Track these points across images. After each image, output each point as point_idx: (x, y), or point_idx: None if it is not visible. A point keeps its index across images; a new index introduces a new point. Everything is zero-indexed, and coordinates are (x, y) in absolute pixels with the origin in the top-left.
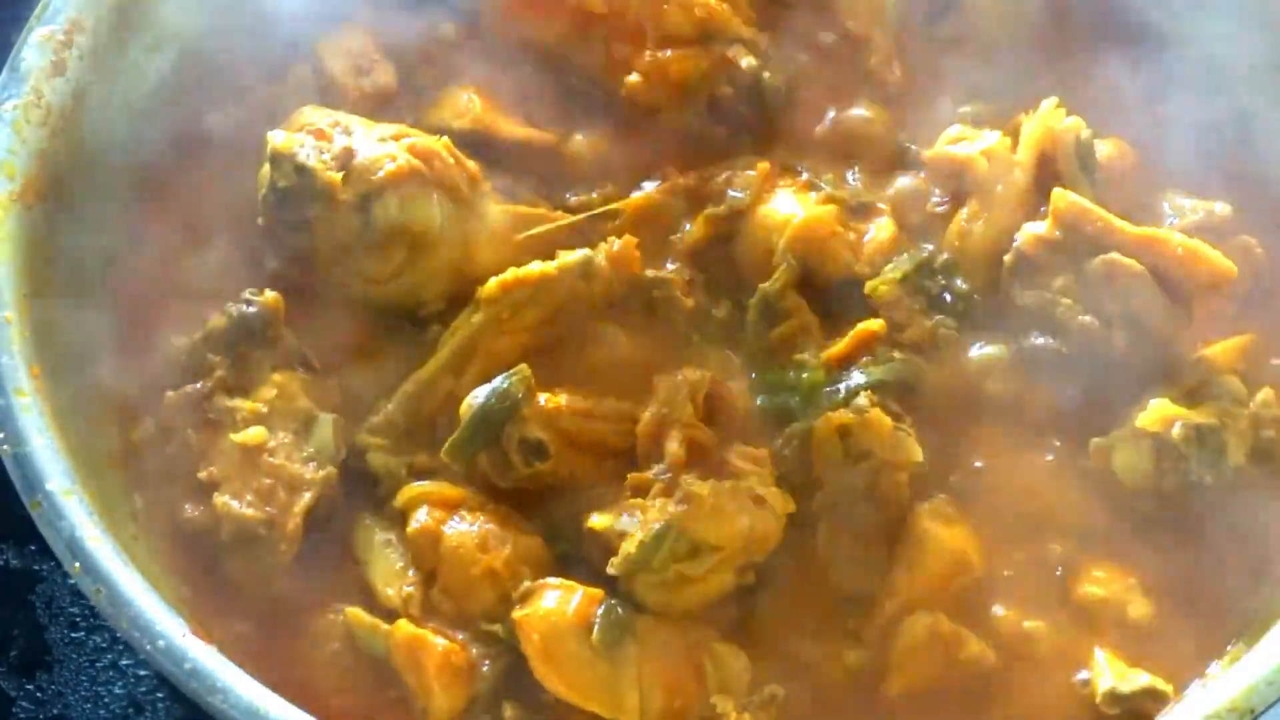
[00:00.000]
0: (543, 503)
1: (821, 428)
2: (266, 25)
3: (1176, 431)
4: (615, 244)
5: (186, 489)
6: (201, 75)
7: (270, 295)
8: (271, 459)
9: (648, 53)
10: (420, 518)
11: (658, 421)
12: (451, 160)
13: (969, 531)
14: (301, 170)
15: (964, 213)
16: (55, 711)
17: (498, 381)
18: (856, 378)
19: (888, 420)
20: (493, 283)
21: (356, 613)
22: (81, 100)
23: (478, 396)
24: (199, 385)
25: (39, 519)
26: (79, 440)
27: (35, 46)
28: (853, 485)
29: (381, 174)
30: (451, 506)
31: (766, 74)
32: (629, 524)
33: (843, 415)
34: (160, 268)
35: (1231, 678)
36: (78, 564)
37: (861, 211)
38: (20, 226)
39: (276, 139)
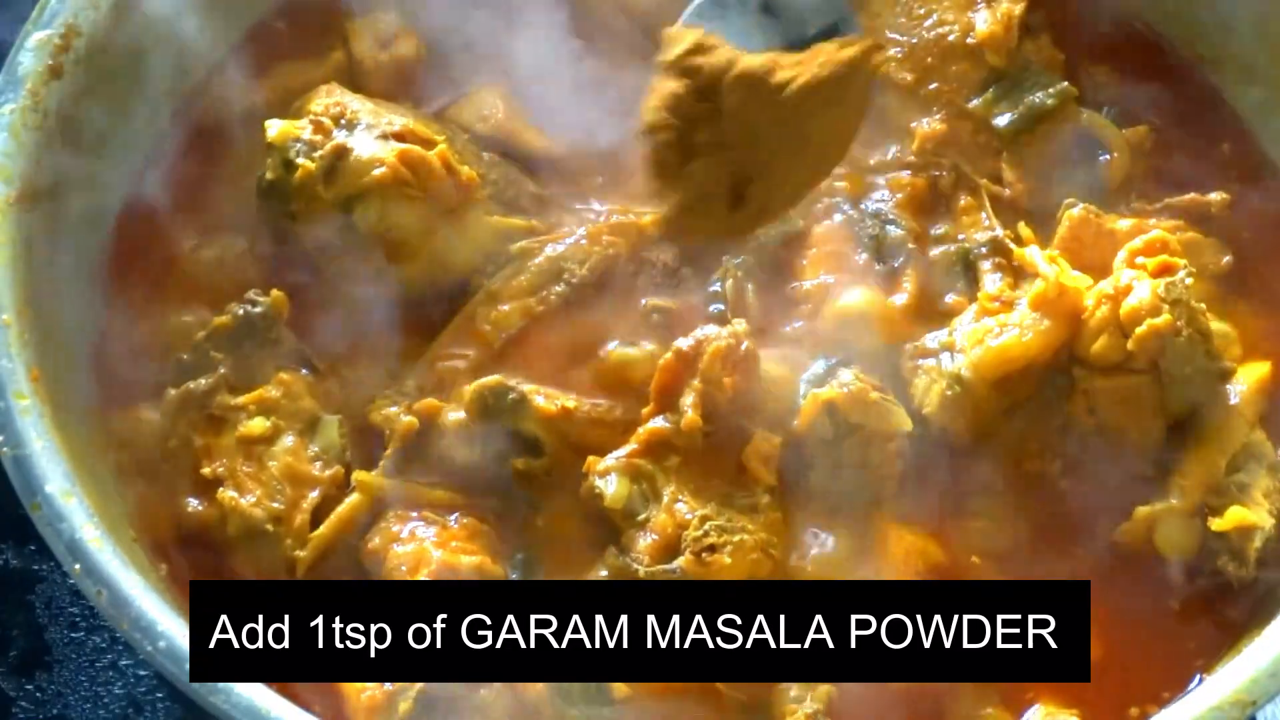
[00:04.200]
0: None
1: (808, 406)
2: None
3: (1258, 541)
4: (615, 217)
5: (189, 486)
6: (200, 74)
7: (275, 295)
8: (274, 461)
9: None
10: (374, 539)
11: (680, 365)
12: (443, 172)
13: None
14: (288, 166)
15: (1016, 316)
16: (55, 711)
17: None
18: (836, 355)
19: (873, 392)
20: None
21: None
22: (79, 103)
23: None
24: (201, 382)
25: (39, 521)
26: (79, 442)
27: (32, 50)
28: (844, 461)
29: (366, 180)
30: (418, 506)
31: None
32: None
33: (828, 392)
34: (161, 268)
35: (1233, 671)
36: (78, 566)
37: (891, 280)
38: (18, 230)
39: (272, 129)
